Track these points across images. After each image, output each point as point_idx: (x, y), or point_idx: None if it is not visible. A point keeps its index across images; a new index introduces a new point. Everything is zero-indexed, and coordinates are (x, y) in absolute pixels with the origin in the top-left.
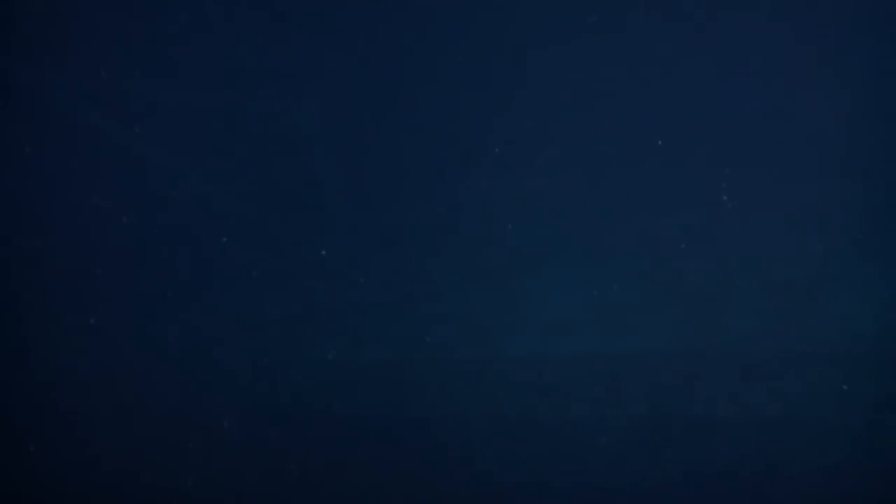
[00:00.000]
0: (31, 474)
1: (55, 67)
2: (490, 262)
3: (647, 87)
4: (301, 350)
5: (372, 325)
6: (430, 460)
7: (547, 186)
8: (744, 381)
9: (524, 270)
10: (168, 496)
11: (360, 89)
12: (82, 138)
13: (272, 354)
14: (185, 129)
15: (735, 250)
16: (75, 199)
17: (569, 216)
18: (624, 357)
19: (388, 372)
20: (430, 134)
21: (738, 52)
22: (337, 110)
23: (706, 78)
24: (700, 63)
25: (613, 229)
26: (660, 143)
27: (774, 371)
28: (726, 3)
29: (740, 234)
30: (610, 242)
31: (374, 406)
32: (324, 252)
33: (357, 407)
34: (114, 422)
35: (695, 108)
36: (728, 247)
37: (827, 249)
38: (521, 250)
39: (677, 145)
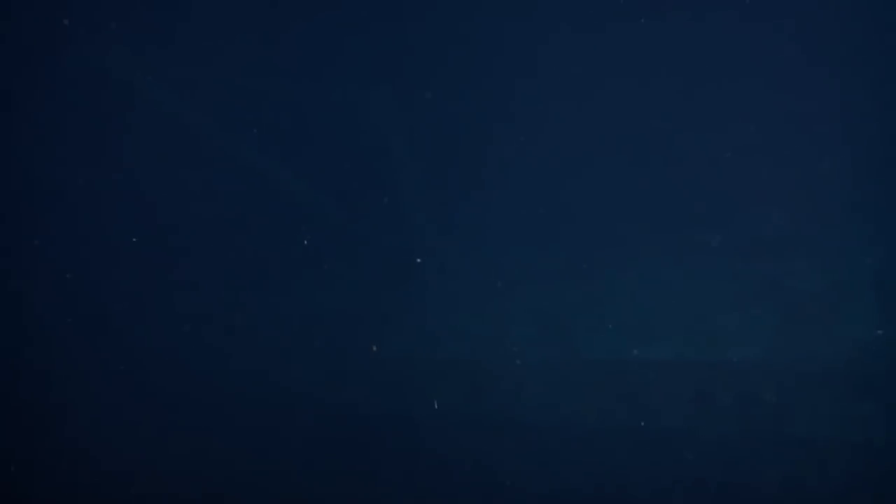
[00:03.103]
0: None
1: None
2: (573, 259)
3: (745, 85)
4: (372, 346)
5: (446, 322)
6: (502, 462)
7: (635, 181)
8: (853, 397)
9: (608, 268)
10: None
11: (438, 84)
12: (159, 131)
13: (340, 351)
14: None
15: (844, 250)
16: (155, 194)
17: (657, 212)
18: (714, 364)
19: (462, 370)
20: (513, 128)
21: (855, 55)
22: (414, 106)
23: (817, 75)
24: (808, 61)
25: (705, 226)
26: (759, 137)
27: (889, 387)
28: None
29: (849, 232)
30: (701, 240)
31: (446, 404)
32: (419, 260)
33: (429, 405)
34: (156, 415)
35: (794, 104)
36: (836, 246)
37: None
38: (606, 247)
39: (777, 137)
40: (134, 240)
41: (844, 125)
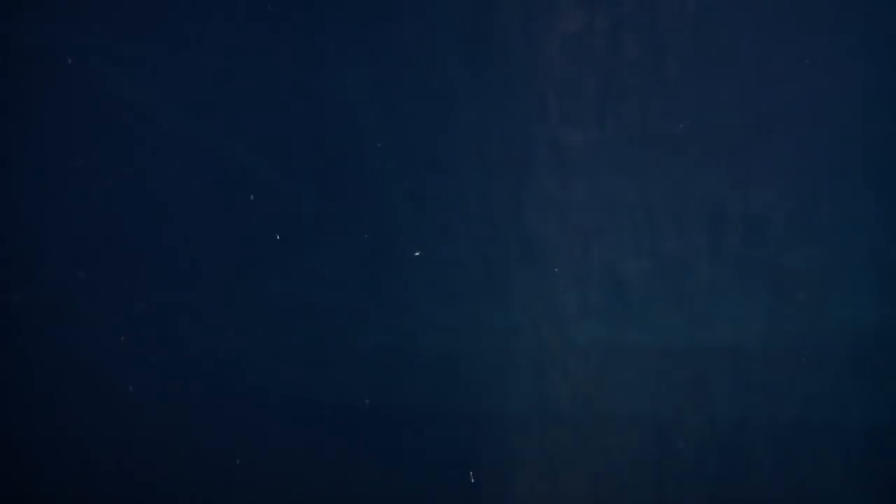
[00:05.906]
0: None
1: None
2: (558, 244)
3: (737, 65)
4: (350, 339)
5: (427, 312)
6: (484, 460)
7: (624, 162)
8: (853, 379)
9: (596, 251)
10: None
11: (419, 72)
12: (127, 121)
13: (321, 343)
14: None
15: (842, 227)
16: (127, 187)
17: (642, 188)
18: (707, 349)
19: (444, 361)
20: (493, 117)
21: (848, 35)
22: (393, 94)
23: (810, 55)
24: (801, 39)
25: (695, 202)
26: (752, 113)
27: (890, 370)
28: None
29: (846, 212)
30: (692, 217)
31: (426, 399)
32: (417, 253)
33: (409, 399)
34: (159, 414)
35: (789, 82)
36: (833, 224)
37: None
38: (588, 225)
39: (771, 115)
40: (106, 234)
41: (840, 104)
